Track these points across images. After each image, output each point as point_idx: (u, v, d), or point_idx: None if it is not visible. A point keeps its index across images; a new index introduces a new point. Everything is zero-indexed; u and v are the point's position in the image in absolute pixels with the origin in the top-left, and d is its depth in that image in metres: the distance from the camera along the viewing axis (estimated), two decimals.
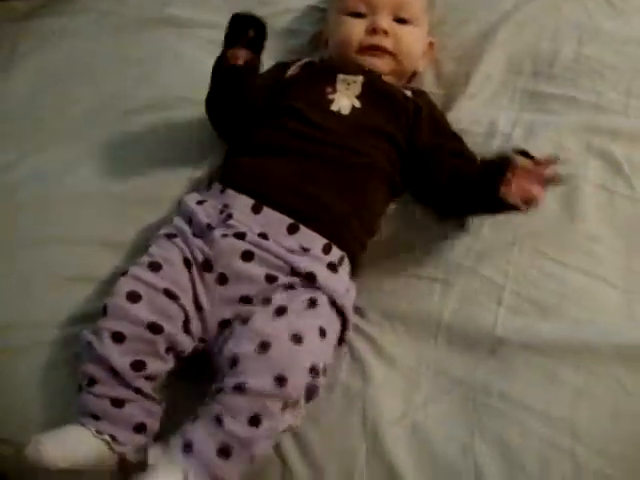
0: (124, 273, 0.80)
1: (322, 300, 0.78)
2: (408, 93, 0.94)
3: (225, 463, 0.70)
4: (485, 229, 0.87)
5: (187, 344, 0.78)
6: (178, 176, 0.96)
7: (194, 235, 0.82)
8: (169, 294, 0.77)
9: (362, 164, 0.86)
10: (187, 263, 0.80)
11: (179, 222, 0.85)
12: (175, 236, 0.83)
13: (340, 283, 0.81)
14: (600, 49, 0.97)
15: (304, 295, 0.78)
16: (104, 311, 0.77)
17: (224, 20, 1.07)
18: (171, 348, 0.77)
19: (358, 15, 0.95)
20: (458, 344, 0.81)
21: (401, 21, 0.95)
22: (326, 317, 0.78)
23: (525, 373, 0.78)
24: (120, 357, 0.75)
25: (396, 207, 0.91)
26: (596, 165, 0.89)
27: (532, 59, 0.99)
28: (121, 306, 0.76)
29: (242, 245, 0.79)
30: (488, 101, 0.97)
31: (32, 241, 0.92)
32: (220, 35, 1.06)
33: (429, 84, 1.00)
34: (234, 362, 0.72)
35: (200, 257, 0.80)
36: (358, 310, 0.85)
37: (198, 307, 0.79)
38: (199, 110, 0.92)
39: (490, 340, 0.80)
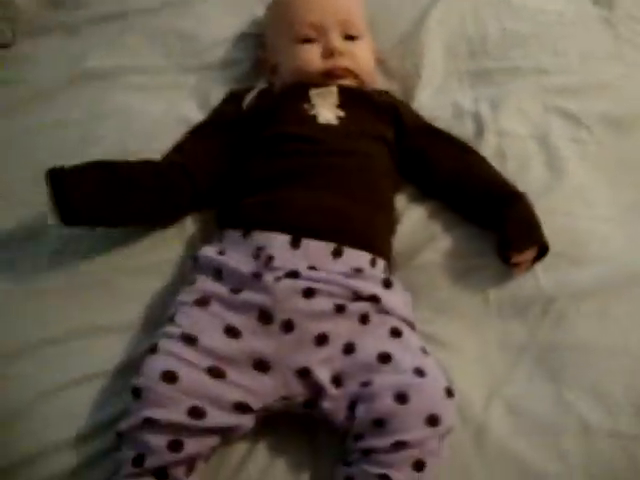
0: (153, 349, 0.73)
1: (397, 323, 0.78)
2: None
3: None
4: None
5: (240, 424, 0.73)
6: (166, 235, 0.89)
7: (233, 291, 0.76)
8: (214, 373, 0.72)
9: (367, 165, 0.87)
10: (231, 332, 0.74)
11: (206, 283, 0.78)
12: (207, 302, 0.76)
13: (399, 298, 0.81)
14: (518, 22, 1.07)
15: (383, 327, 0.77)
16: (136, 394, 0.71)
17: (150, 62, 1.04)
18: (217, 429, 0.72)
19: (309, 40, 0.94)
20: (512, 315, 0.85)
21: (350, 38, 0.96)
22: (414, 335, 0.79)
23: (581, 319, 0.84)
24: (154, 438, 0.69)
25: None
26: (558, 122, 0.98)
27: (465, 42, 1.06)
28: (155, 389, 0.70)
29: (300, 284, 0.76)
30: (442, 87, 1.02)
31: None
32: (150, 79, 1.02)
33: (383, 83, 1.02)
34: (380, 423, 0.71)
35: (254, 313, 0.75)
36: None
37: (263, 368, 0.74)
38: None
39: (540, 301, 0.85)
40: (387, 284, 0.81)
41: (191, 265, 0.83)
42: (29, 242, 0.87)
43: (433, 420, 0.71)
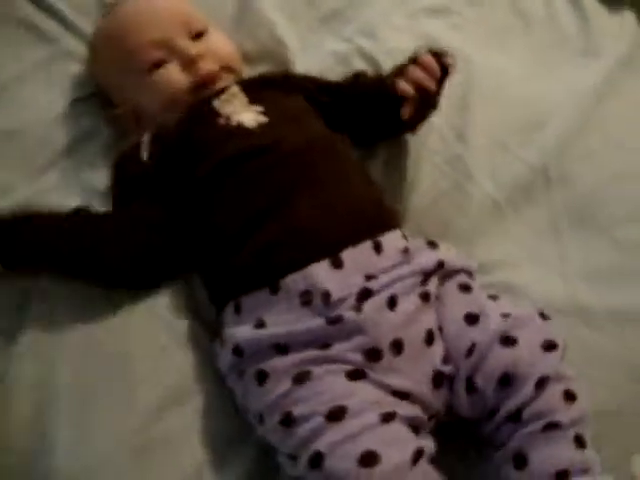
0: (318, 459, 0.58)
1: (462, 278, 0.73)
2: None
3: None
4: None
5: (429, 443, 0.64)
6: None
7: (322, 349, 0.64)
8: (388, 418, 0.61)
9: (323, 143, 0.76)
10: (355, 375, 0.63)
11: (282, 360, 0.64)
12: (307, 374, 0.63)
13: (448, 250, 0.74)
14: None
15: (454, 288, 0.71)
16: None
17: None
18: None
19: (160, 63, 0.80)
20: (524, 203, 0.85)
21: (199, 35, 0.83)
22: (477, 285, 0.73)
23: (578, 167, 0.86)
24: None
25: None
26: (431, 21, 0.97)
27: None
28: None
29: (379, 299, 0.66)
30: (309, 45, 0.94)
31: None
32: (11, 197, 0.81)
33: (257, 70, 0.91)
34: (506, 379, 0.64)
35: (360, 358, 0.64)
36: None
37: (404, 397, 0.64)
38: None
39: (537, 176, 0.85)
40: (433, 244, 0.74)
41: (234, 361, 0.67)
42: None
43: (550, 345, 0.66)
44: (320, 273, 0.66)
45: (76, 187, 0.83)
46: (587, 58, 0.95)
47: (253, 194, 0.71)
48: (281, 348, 0.65)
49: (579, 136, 0.88)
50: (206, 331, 0.74)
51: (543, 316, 0.69)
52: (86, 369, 0.69)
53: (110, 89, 0.86)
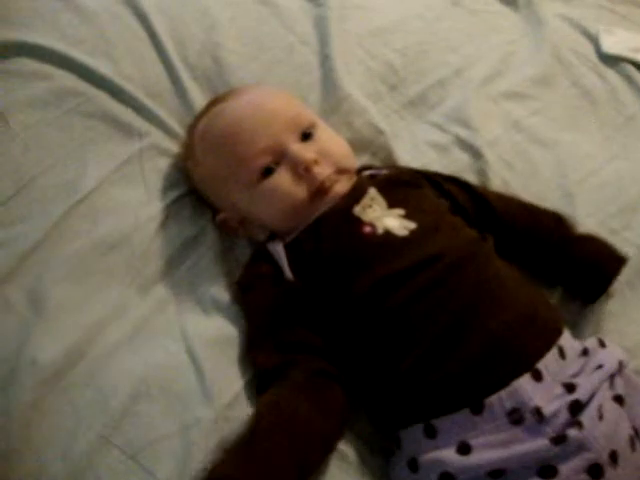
0: None
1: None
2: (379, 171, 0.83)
3: None
4: None
5: None
6: None
7: (542, 473, 0.61)
8: None
9: (477, 246, 0.74)
10: None
11: None
12: None
13: (616, 347, 0.72)
14: (401, 40, 1.01)
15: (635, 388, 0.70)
16: None
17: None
18: None
19: (270, 170, 0.74)
20: (637, 284, 0.84)
21: (308, 135, 0.77)
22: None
23: None
24: None
25: None
26: (512, 106, 0.98)
27: (378, 80, 0.96)
28: None
29: (591, 412, 0.63)
30: (400, 133, 0.93)
31: None
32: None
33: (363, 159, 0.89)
34: None
35: (584, 476, 0.61)
36: None
37: None
38: None
39: None
40: (601, 342, 0.72)
41: None
42: None
43: None
44: (526, 388, 0.63)
45: (192, 299, 0.76)
46: None
47: (433, 310, 0.67)
48: (497, 473, 0.61)
49: None
50: None
51: None
52: None
53: (213, 195, 0.80)
